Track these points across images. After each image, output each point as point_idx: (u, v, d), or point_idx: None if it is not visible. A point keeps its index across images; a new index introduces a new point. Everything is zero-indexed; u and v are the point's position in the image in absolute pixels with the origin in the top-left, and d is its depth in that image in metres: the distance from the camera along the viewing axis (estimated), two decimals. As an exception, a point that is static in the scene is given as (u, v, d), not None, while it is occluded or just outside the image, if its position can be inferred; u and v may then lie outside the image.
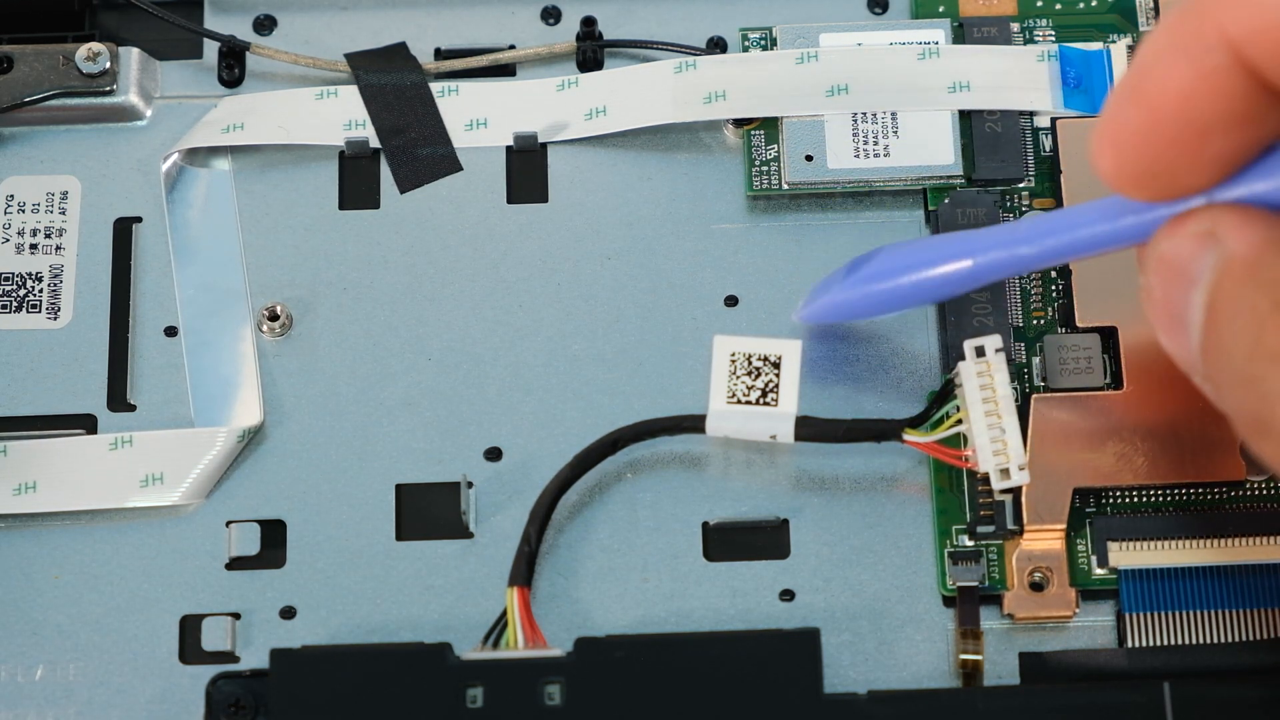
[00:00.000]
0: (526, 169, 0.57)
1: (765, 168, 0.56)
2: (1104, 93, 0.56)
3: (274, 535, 0.53)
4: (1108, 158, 0.40)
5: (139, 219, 0.57)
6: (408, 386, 0.55)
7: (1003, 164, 0.56)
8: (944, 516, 0.52)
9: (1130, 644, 0.51)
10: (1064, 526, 0.51)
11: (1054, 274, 0.55)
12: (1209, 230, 0.39)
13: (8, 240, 0.56)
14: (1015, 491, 0.51)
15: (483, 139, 0.57)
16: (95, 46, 0.57)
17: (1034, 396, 0.52)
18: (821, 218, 0.56)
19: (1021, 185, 0.56)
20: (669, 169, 0.57)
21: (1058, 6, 0.58)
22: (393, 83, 0.58)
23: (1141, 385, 0.52)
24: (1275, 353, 0.36)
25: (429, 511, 0.53)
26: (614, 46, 0.59)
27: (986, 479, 0.50)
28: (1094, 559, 0.52)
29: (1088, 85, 0.56)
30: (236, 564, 0.53)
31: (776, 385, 0.51)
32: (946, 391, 0.51)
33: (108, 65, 0.57)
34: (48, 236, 0.56)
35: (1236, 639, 0.51)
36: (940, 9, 0.58)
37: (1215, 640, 0.51)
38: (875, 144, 0.56)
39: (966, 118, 0.56)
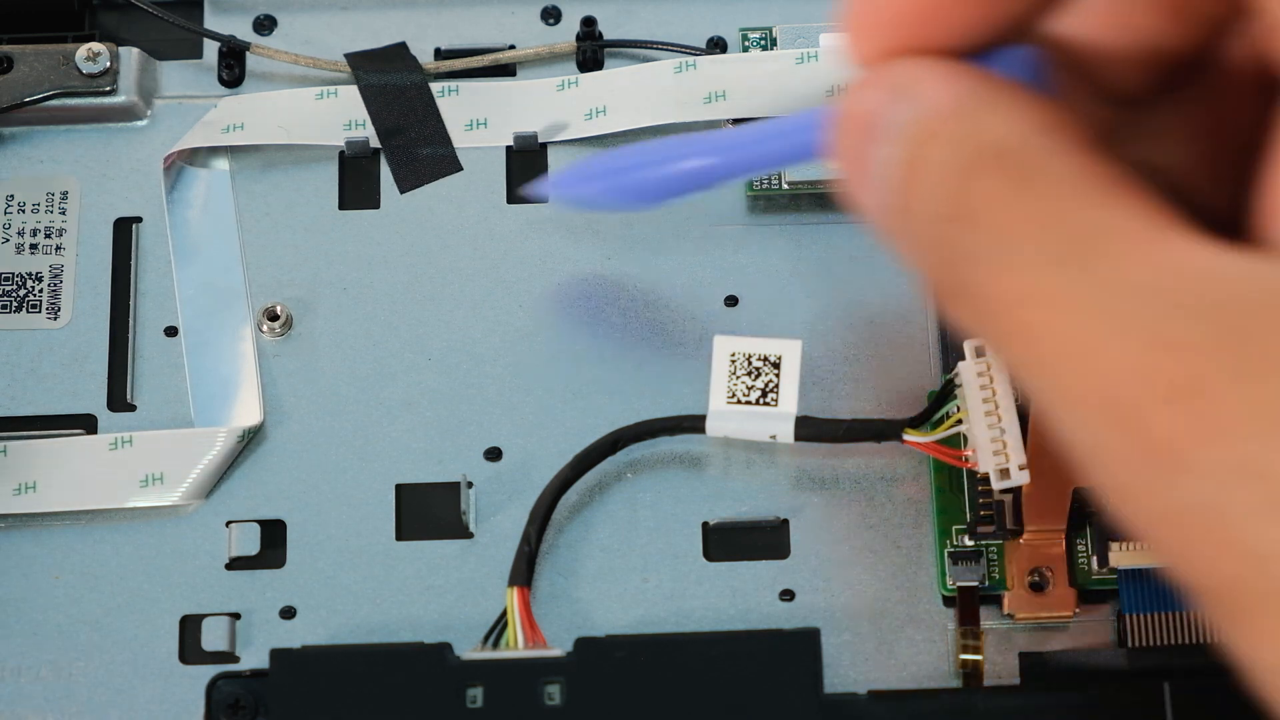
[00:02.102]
0: (526, 169, 0.57)
1: (765, 168, 0.56)
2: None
3: (274, 535, 0.53)
4: (856, 38, 0.38)
5: (139, 219, 0.57)
6: (408, 386, 0.55)
7: (1003, 164, 0.56)
8: (944, 516, 0.52)
9: (1130, 644, 0.51)
10: (1064, 526, 0.51)
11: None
12: (903, 84, 0.37)
13: (8, 240, 0.56)
14: (1015, 491, 0.51)
15: (483, 139, 0.57)
16: (95, 46, 0.57)
17: (1034, 396, 0.52)
18: (821, 218, 0.56)
19: (1021, 185, 0.56)
20: (669, 169, 0.57)
21: (1058, 6, 0.58)
22: (393, 83, 0.58)
23: (1141, 385, 0.52)
24: (969, 211, 0.35)
25: (429, 511, 0.53)
26: (614, 46, 0.59)
27: (986, 479, 0.50)
28: (1094, 559, 0.52)
29: (1088, 85, 0.56)
30: (236, 564, 0.53)
31: (776, 385, 0.51)
32: (946, 391, 0.51)
33: (108, 65, 0.57)
34: (48, 236, 0.56)
35: (1236, 639, 0.51)
36: (940, 9, 0.58)
37: (1215, 640, 0.51)
38: (875, 144, 0.56)
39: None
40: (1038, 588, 0.52)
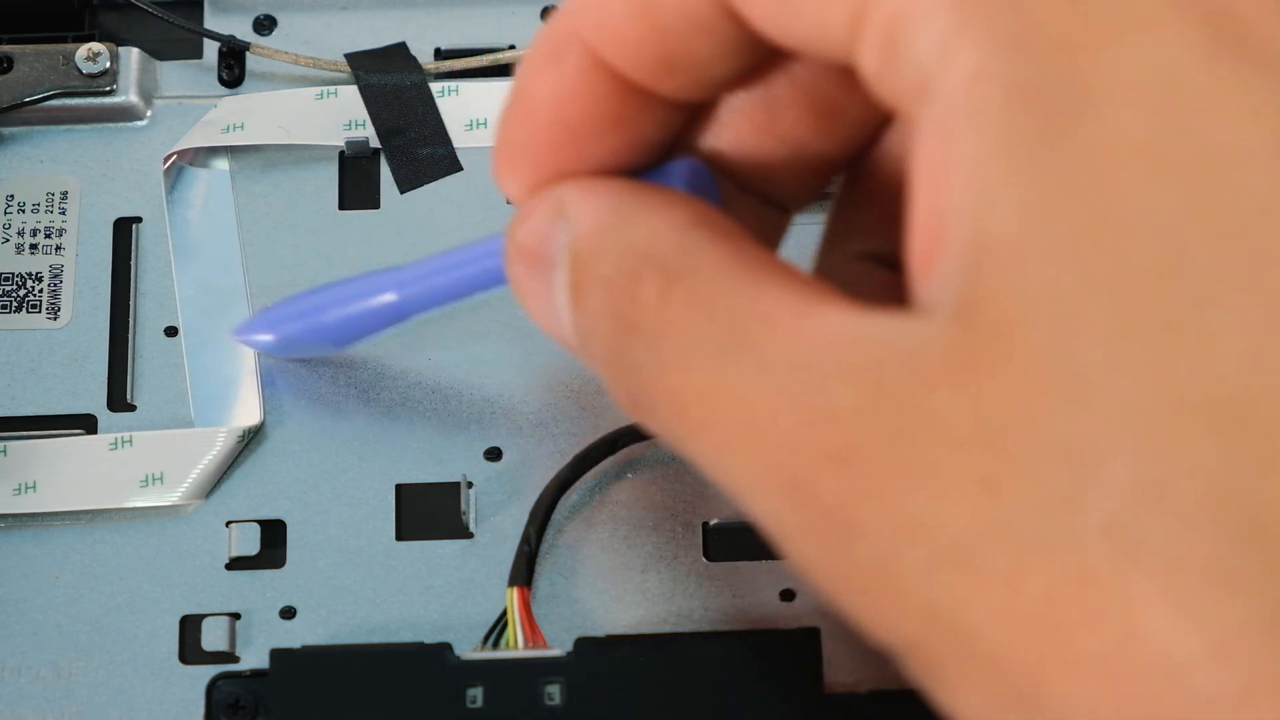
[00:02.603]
0: (526, 169, 0.57)
1: (765, 168, 0.56)
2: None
3: (274, 535, 0.53)
4: (502, 172, 0.39)
5: (139, 219, 0.57)
6: (408, 386, 0.55)
7: (1003, 164, 0.56)
8: (944, 516, 0.52)
9: (1130, 644, 0.51)
10: (1063, 526, 0.51)
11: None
12: (558, 209, 0.38)
13: (8, 240, 0.56)
14: (1015, 491, 0.51)
15: (483, 139, 0.57)
16: (95, 46, 0.57)
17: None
18: (821, 218, 0.56)
19: (1021, 185, 0.56)
20: (669, 169, 0.57)
21: (1058, 6, 0.58)
22: (393, 83, 0.58)
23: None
24: (630, 322, 0.35)
25: (429, 511, 0.53)
26: (614, 46, 0.59)
27: (986, 479, 0.50)
28: (1094, 559, 0.51)
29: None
30: (236, 564, 0.53)
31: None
32: (946, 391, 0.51)
33: (108, 65, 0.57)
34: (48, 236, 0.56)
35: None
36: (940, 9, 0.58)
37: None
38: (875, 144, 0.56)
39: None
40: (1037, 588, 0.51)
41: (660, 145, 0.39)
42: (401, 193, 0.57)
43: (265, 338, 0.53)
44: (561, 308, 0.38)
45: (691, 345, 0.34)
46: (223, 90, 0.58)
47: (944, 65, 0.32)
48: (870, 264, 0.40)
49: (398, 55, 0.59)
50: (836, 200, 0.42)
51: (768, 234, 0.41)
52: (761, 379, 0.33)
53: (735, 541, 0.53)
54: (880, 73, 0.34)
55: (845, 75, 0.36)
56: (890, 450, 0.31)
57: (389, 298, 0.50)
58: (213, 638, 0.52)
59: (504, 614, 0.50)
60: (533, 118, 0.38)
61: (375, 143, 0.57)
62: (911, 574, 0.31)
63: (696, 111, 0.39)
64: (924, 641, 0.32)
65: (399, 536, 0.53)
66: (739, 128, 0.40)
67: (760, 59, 0.38)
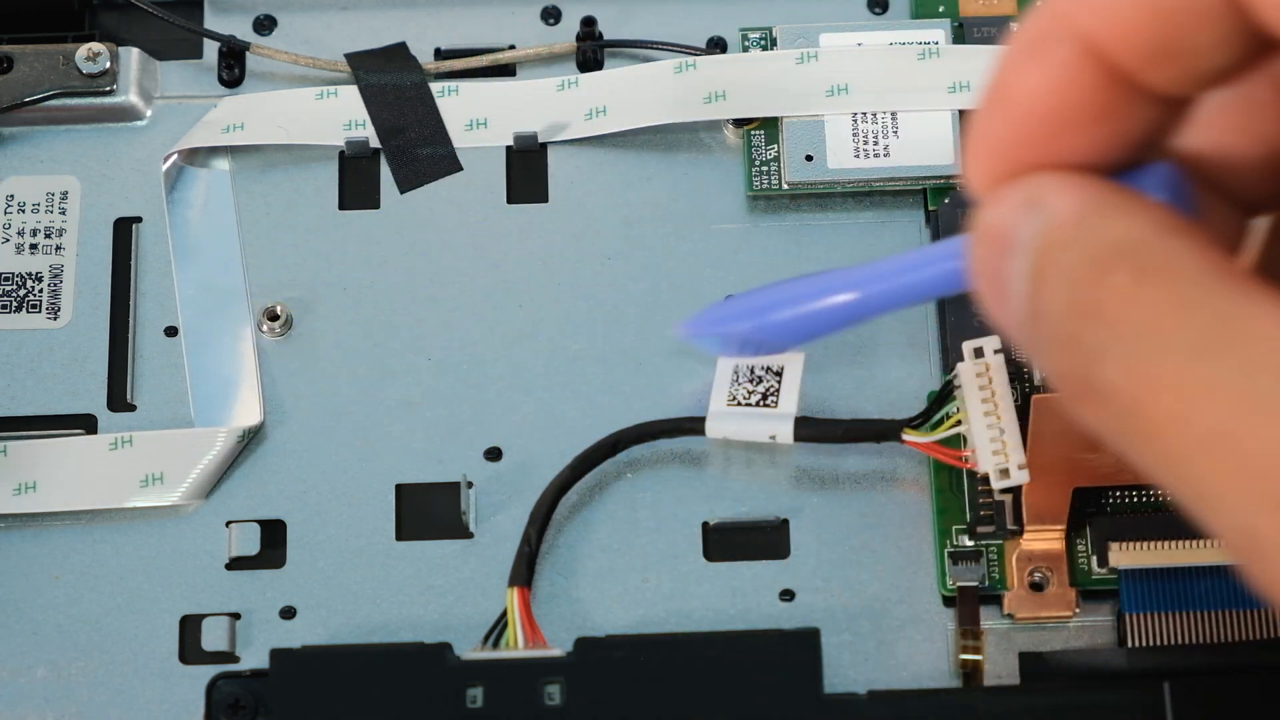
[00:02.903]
0: (526, 169, 0.57)
1: (765, 168, 0.56)
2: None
3: (274, 535, 0.53)
4: (976, 168, 0.40)
5: (139, 219, 0.57)
6: (408, 386, 0.55)
7: (1003, 164, 0.56)
8: (944, 516, 0.52)
9: (1130, 644, 0.51)
10: (1064, 526, 0.51)
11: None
12: (1032, 197, 0.38)
13: (8, 240, 0.56)
14: (1015, 491, 0.51)
15: (483, 139, 0.57)
16: (95, 46, 0.57)
17: (1034, 397, 0.52)
18: (821, 218, 0.56)
19: (1021, 185, 0.56)
20: (669, 169, 0.57)
21: (1058, 6, 0.58)
22: (393, 83, 0.58)
23: (1142, 385, 0.52)
24: (1096, 308, 0.35)
25: (429, 511, 0.53)
26: (614, 46, 0.59)
27: (986, 479, 0.50)
28: (1094, 559, 0.52)
29: (1088, 85, 0.56)
30: (236, 564, 0.53)
31: (777, 390, 0.51)
32: (946, 392, 0.51)
33: (108, 65, 0.57)
34: (48, 236, 0.56)
35: (1236, 639, 0.51)
36: (940, 9, 0.58)
37: (1215, 640, 0.51)
38: (875, 144, 0.56)
39: (967, 118, 0.56)
40: (1038, 588, 0.52)
41: (1135, 144, 0.39)
42: (401, 193, 0.57)
43: (713, 335, 0.52)
44: (1016, 292, 0.38)
45: (1163, 339, 0.34)
46: (223, 90, 0.58)
47: None
48: None
49: (398, 55, 0.59)
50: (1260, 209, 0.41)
51: (1229, 235, 0.41)
52: (1244, 383, 0.32)
53: (735, 541, 0.53)
54: None
55: None
56: None
57: (848, 297, 0.49)
58: (213, 638, 0.52)
59: (504, 614, 0.50)
60: (1011, 109, 0.38)
61: (375, 143, 0.57)
62: None
63: (1174, 111, 0.39)
64: None
65: (399, 536, 0.53)
66: (1213, 126, 0.40)
67: (1251, 54, 0.37)
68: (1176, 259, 0.35)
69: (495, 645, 0.50)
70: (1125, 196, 0.37)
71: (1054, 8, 0.38)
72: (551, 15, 0.59)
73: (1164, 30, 0.37)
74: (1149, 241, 0.36)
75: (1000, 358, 0.50)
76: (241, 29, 0.59)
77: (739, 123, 0.57)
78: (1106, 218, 0.37)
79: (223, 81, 0.59)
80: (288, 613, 0.52)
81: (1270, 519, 0.32)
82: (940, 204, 0.55)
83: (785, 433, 0.51)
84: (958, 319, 0.54)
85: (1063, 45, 0.38)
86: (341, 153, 0.57)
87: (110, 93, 0.57)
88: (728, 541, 0.53)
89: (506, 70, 0.59)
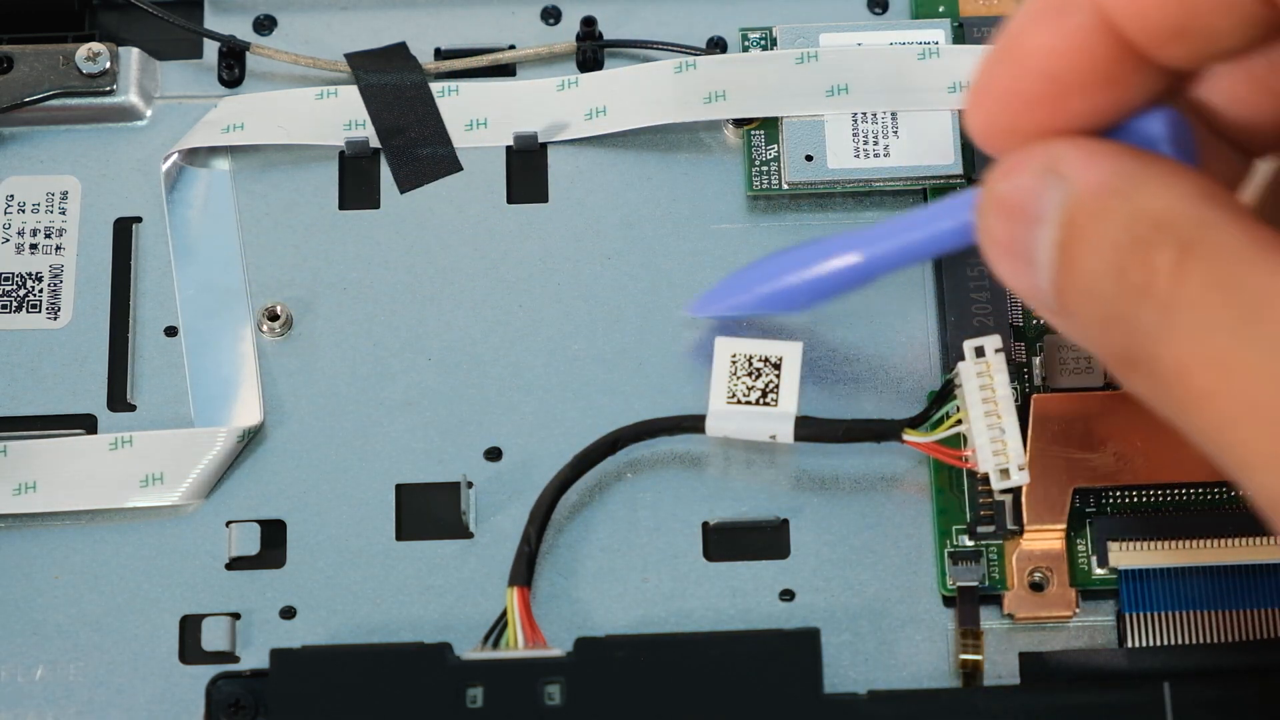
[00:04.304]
0: (526, 169, 0.57)
1: (765, 168, 0.56)
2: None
3: (274, 535, 0.53)
4: (977, 116, 0.40)
5: (139, 219, 0.57)
6: (408, 386, 0.55)
7: (1003, 164, 0.56)
8: (944, 516, 0.52)
9: (1130, 644, 0.51)
10: (1064, 526, 0.51)
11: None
12: (1050, 166, 0.38)
13: (8, 240, 0.56)
14: (1015, 491, 0.51)
15: (483, 139, 0.57)
16: (95, 46, 0.57)
17: (1034, 396, 0.52)
18: (821, 218, 0.56)
19: (1021, 185, 0.56)
20: (669, 169, 0.57)
21: (1058, 6, 0.58)
22: (393, 83, 0.58)
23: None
24: (1140, 287, 0.36)
25: (429, 511, 0.53)
26: (614, 46, 0.59)
27: (986, 479, 0.50)
28: (1094, 559, 0.52)
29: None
30: (236, 564, 0.53)
31: (777, 386, 0.52)
32: (946, 391, 0.51)
33: (108, 65, 0.57)
34: (48, 236, 0.56)
35: (1236, 639, 0.51)
36: (940, 9, 0.58)
37: (1215, 640, 0.51)
38: (875, 144, 0.56)
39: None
40: (1038, 588, 0.52)
41: (1141, 108, 0.39)
42: (401, 193, 0.57)
43: (727, 302, 0.53)
44: (1044, 264, 0.38)
45: (1208, 317, 0.35)
46: (223, 90, 0.58)
47: None
48: None
49: (398, 55, 0.59)
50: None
51: (1231, 176, 0.42)
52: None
53: (735, 541, 0.53)
54: None
55: None
56: None
57: (852, 258, 0.49)
58: (213, 638, 0.52)
59: (504, 614, 0.50)
60: (1021, 65, 0.39)
61: (375, 143, 0.57)
62: None
63: (1185, 78, 0.40)
64: None
65: (399, 536, 0.53)
66: (1223, 83, 0.40)
67: (1267, 33, 0.38)
68: (1217, 234, 0.35)
69: (495, 645, 0.50)
70: (1156, 166, 0.37)
71: None
72: (551, 15, 0.59)
73: (1183, 14, 0.37)
74: (1189, 215, 0.36)
75: (1001, 357, 0.50)
76: (241, 29, 0.59)
77: (739, 123, 0.57)
78: (1142, 189, 0.37)
79: (223, 81, 0.59)
80: (288, 613, 0.52)
81: None
82: (940, 204, 0.55)
83: (785, 432, 0.51)
84: (958, 318, 0.54)
85: (1081, 13, 0.38)
86: (341, 153, 0.57)
87: (110, 93, 0.57)
88: (728, 541, 0.53)
89: (506, 70, 0.59)
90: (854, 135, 0.56)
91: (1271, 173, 0.42)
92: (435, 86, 0.58)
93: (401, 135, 0.57)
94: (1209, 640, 0.51)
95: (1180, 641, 0.51)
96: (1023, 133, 0.39)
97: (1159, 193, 0.36)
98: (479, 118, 0.58)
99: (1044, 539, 0.52)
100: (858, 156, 0.56)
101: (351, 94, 0.58)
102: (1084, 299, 0.37)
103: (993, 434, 0.50)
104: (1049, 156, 0.38)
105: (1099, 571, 0.51)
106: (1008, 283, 0.40)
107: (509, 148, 0.57)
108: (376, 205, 0.57)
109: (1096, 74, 0.38)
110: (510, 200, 0.57)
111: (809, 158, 0.56)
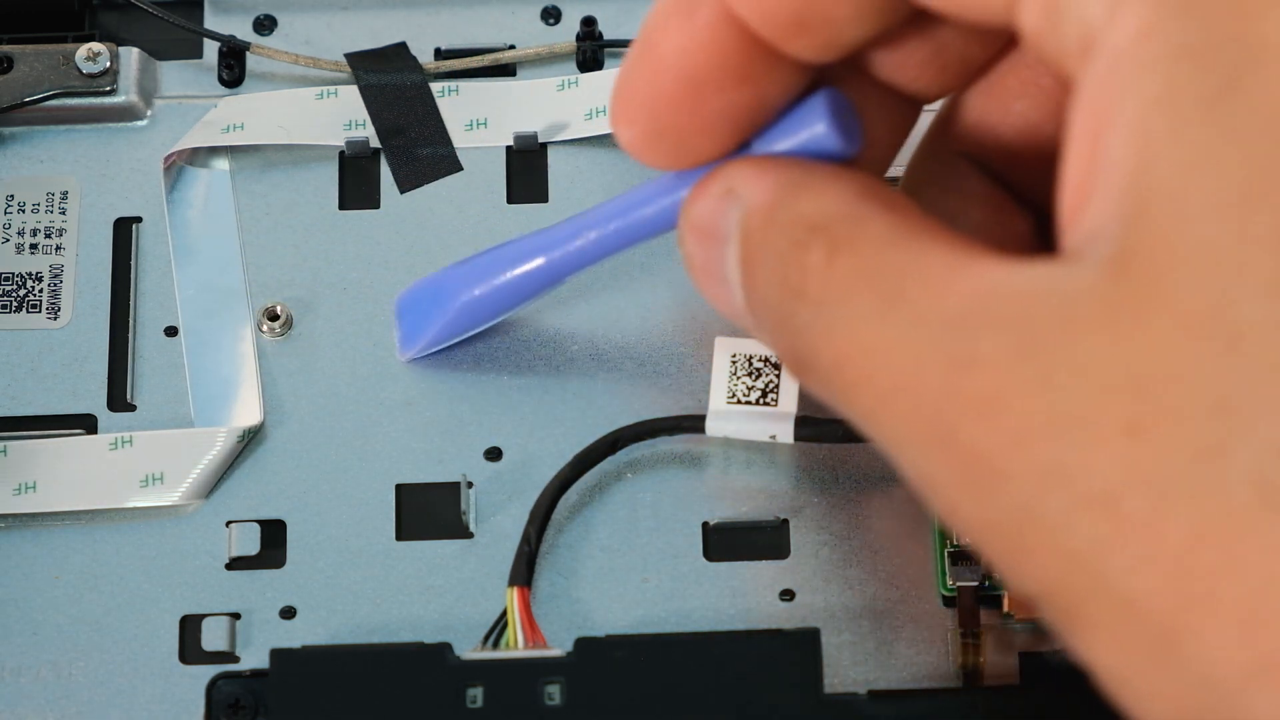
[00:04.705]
0: (526, 169, 0.57)
1: (765, 168, 0.56)
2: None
3: (274, 535, 0.53)
4: (620, 122, 0.40)
5: (139, 219, 0.57)
6: (408, 386, 0.55)
7: (1003, 164, 0.56)
8: (944, 516, 0.52)
9: (1130, 644, 0.51)
10: (1064, 526, 0.51)
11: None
12: (729, 187, 0.39)
13: (8, 240, 0.56)
14: (1015, 491, 0.51)
15: (483, 139, 0.57)
16: (95, 46, 0.57)
17: (1034, 396, 0.52)
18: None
19: (1021, 185, 0.56)
20: (669, 169, 0.57)
21: (1058, 6, 0.58)
22: (393, 83, 0.58)
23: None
24: (796, 289, 0.37)
25: (429, 511, 0.53)
26: (614, 46, 0.59)
27: (986, 479, 0.50)
28: (1094, 559, 0.51)
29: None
30: (236, 564, 0.53)
31: (777, 385, 0.52)
32: (946, 391, 0.51)
33: (108, 65, 0.57)
34: (48, 236, 0.56)
35: (1236, 639, 0.51)
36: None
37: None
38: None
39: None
40: (1038, 588, 0.52)
41: (782, 106, 0.40)
42: (401, 193, 0.57)
43: (428, 336, 0.53)
44: (733, 280, 0.39)
45: (853, 307, 0.35)
46: (223, 90, 0.58)
47: (1111, 23, 0.33)
48: (966, 163, 0.42)
49: (398, 55, 0.59)
50: (948, 101, 0.43)
51: (899, 124, 0.42)
52: (915, 334, 0.34)
53: (735, 541, 0.53)
54: (1042, 31, 0.35)
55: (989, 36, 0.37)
56: (1037, 397, 0.32)
57: (537, 262, 0.50)
58: (213, 638, 0.52)
59: (504, 614, 0.50)
60: (656, 66, 0.39)
61: (375, 143, 0.57)
62: (1054, 520, 0.32)
63: (821, 73, 0.40)
64: (1064, 588, 0.32)
65: (399, 536, 0.53)
66: (891, 61, 0.41)
67: (900, 21, 0.38)
68: (863, 226, 0.36)
69: (495, 645, 0.50)
70: (816, 173, 0.38)
71: None
72: (551, 15, 0.59)
73: (799, 5, 0.37)
74: (841, 214, 0.37)
75: (1000, 358, 0.50)
76: (241, 29, 0.59)
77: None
78: (798, 196, 0.38)
79: (223, 81, 0.59)
80: (288, 613, 0.52)
81: (937, 453, 0.34)
82: (940, 204, 0.55)
83: (785, 432, 0.51)
84: (958, 319, 0.54)
85: (708, 10, 0.38)
86: (341, 153, 0.57)
87: (110, 93, 0.57)
88: (728, 541, 0.53)
89: (506, 70, 0.59)
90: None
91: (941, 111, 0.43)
92: (435, 86, 0.58)
93: (401, 135, 0.57)
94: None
95: (1180, 641, 0.51)
96: (667, 137, 0.40)
97: (815, 197, 0.37)
98: (479, 118, 0.58)
99: (1044, 539, 0.51)
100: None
101: (351, 94, 0.58)
102: (761, 308, 0.38)
103: (993, 434, 0.50)
104: (727, 178, 0.39)
105: (1099, 571, 0.51)
106: (712, 305, 0.41)
107: (509, 148, 0.57)
108: (376, 205, 0.57)
109: (729, 71, 0.39)
110: (510, 200, 0.57)
111: (809, 158, 0.56)
